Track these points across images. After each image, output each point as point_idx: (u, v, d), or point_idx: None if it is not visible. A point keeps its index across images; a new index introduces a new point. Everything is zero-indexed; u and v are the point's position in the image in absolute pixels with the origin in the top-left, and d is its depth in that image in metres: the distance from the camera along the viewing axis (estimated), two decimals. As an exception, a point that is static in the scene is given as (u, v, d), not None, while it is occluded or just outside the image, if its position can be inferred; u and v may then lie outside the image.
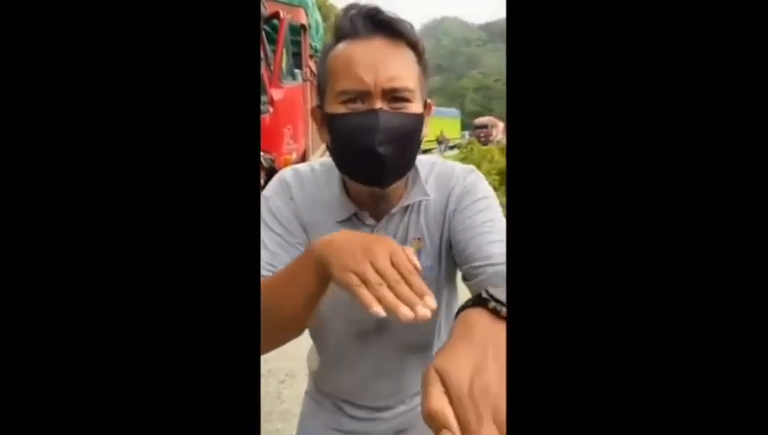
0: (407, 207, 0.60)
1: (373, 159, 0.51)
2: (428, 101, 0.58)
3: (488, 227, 0.56)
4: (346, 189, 0.59)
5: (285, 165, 3.32)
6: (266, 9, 3.09)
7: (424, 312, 0.35)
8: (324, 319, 0.64)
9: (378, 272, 0.38)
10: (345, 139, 0.53)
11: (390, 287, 0.37)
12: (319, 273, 0.43)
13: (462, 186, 0.60)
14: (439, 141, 18.52)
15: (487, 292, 0.34)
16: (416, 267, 0.39)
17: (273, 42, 3.40)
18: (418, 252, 0.60)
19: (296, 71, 3.86)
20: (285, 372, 2.16)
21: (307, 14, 3.97)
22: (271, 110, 3.10)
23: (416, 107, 0.53)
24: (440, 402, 0.27)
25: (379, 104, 0.51)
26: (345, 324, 0.64)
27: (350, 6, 0.54)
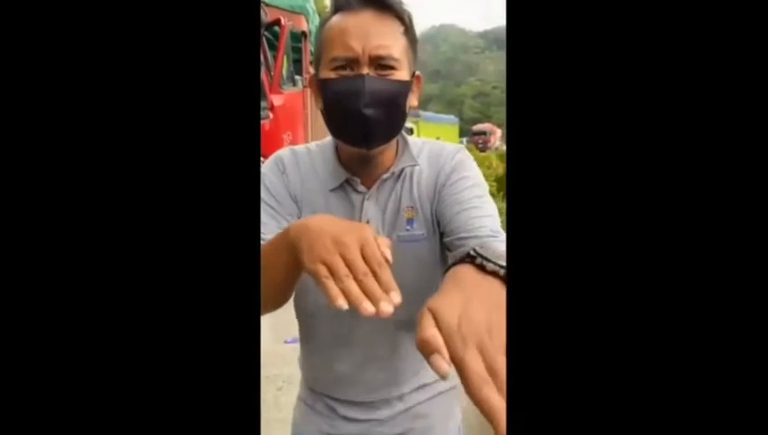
0: (397, 173, 0.64)
1: (359, 120, 0.56)
2: (417, 73, 0.62)
3: (474, 202, 0.59)
4: (338, 158, 0.64)
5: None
6: (268, 16, 3.11)
7: (386, 308, 0.36)
8: (315, 295, 0.65)
9: (347, 263, 0.38)
10: (335, 101, 0.57)
11: (357, 280, 0.37)
12: (293, 256, 0.44)
13: (451, 163, 0.64)
14: None
15: (474, 250, 0.37)
16: (386, 260, 0.39)
17: (273, 48, 3.41)
18: (411, 220, 0.63)
19: (296, 77, 3.88)
20: (283, 378, 2.14)
21: (308, 21, 4.00)
22: (271, 115, 3.11)
23: (401, 74, 0.57)
24: (432, 331, 0.31)
25: (366, 70, 0.55)
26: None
27: None
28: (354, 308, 0.36)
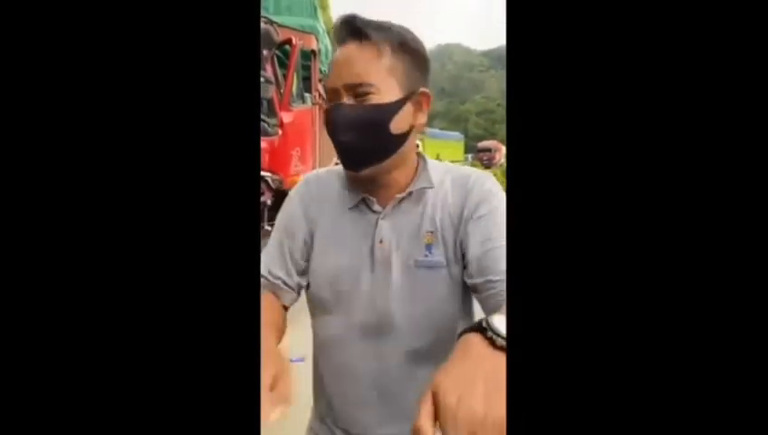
0: (415, 195, 0.64)
1: (338, 146, 0.61)
2: (423, 90, 0.63)
3: (503, 240, 0.58)
4: (355, 177, 0.66)
5: (292, 186, 3.34)
6: (279, 35, 3.19)
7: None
8: (326, 326, 0.67)
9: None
10: (327, 130, 0.63)
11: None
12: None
13: (480, 192, 0.63)
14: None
15: (486, 321, 0.37)
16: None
17: (284, 66, 3.49)
18: (430, 246, 0.63)
19: (306, 94, 3.95)
20: None
21: (318, 40, 4.09)
22: (280, 132, 3.16)
23: (380, 98, 0.59)
24: (427, 422, 0.32)
25: (344, 99, 0.59)
26: (349, 321, 0.65)
27: (341, 17, 0.63)
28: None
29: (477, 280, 0.59)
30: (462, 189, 0.64)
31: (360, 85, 0.58)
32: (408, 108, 0.61)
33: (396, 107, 0.60)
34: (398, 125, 0.60)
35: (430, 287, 0.63)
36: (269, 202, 3.05)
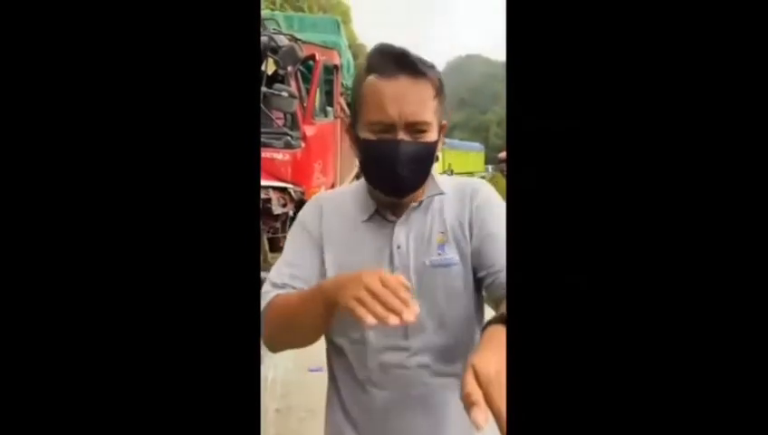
0: (426, 203, 0.70)
1: (395, 178, 0.64)
2: (443, 122, 0.69)
3: (504, 236, 0.64)
4: (369, 193, 0.71)
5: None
6: (303, 52, 3.28)
7: (409, 316, 0.44)
8: (343, 334, 0.68)
9: (371, 293, 0.46)
10: (373, 160, 0.66)
11: (382, 302, 0.45)
12: (326, 305, 0.54)
13: (480, 195, 0.70)
14: (450, 174, 18.10)
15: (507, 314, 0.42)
16: (404, 284, 0.47)
17: (307, 81, 3.58)
18: (442, 245, 0.68)
19: (328, 108, 4.03)
20: (305, 408, 2.08)
21: (340, 55, 4.18)
22: (303, 145, 3.23)
23: (431, 135, 0.65)
24: (473, 386, 0.37)
25: (401, 135, 0.63)
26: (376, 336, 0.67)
27: (383, 46, 0.66)
28: (383, 324, 0.44)
29: (482, 273, 0.66)
30: (462, 193, 0.71)
31: (421, 124, 0.63)
32: (438, 142, 0.68)
33: (437, 144, 0.67)
34: (435, 158, 0.68)
35: (447, 286, 0.67)
36: (291, 213, 3.11)
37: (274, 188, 2.97)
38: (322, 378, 0.77)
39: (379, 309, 0.44)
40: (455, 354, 0.68)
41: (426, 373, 0.67)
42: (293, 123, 3.26)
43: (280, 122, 3.19)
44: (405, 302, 0.45)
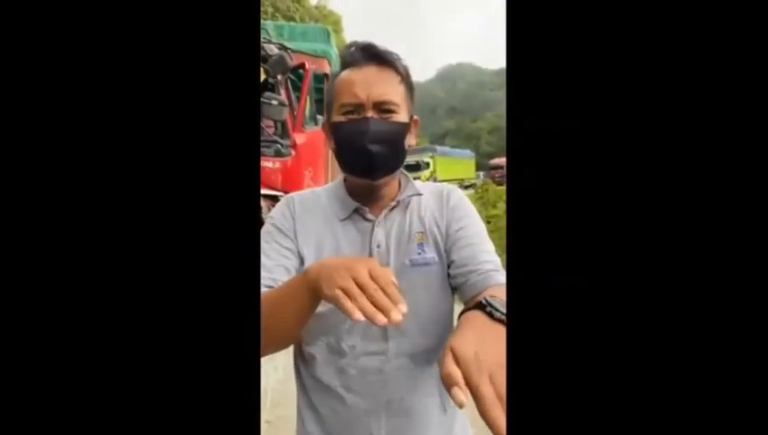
0: (404, 203, 0.72)
1: (365, 154, 0.65)
2: (415, 117, 0.72)
3: (478, 238, 0.68)
4: (347, 191, 0.72)
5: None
6: (293, 61, 3.29)
7: (396, 316, 0.42)
8: (323, 325, 0.66)
9: (359, 286, 0.44)
10: (345, 140, 0.67)
11: (369, 296, 0.43)
12: (311, 293, 0.51)
13: (454, 196, 0.73)
14: (434, 180, 18.17)
15: (485, 299, 0.46)
16: (393, 282, 0.46)
17: (298, 89, 3.59)
18: (422, 245, 0.69)
19: (318, 117, 4.05)
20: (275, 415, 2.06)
21: (330, 64, 4.21)
22: (293, 153, 3.23)
23: (400, 117, 0.67)
24: (452, 367, 0.37)
25: (370, 114, 0.65)
26: (352, 327, 0.65)
27: (352, 43, 0.70)
28: (369, 320, 0.42)
29: (454, 272, 0.67)
30: (438, 196, 0.73)
31: (388, 103, 0.65)
32: (410, 129, 0.70)
33: (407, 126, 0.69)
34: (407, 142, 0.70)
35: (427, 284, 0.68)
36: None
37: (265, 197, 2.96)
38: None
39: (368, 305, 0.42)
40: (434, 356, 0.68)
41: (404, 377, 0.66)
42: (284, 131, 3.26)
43: (270, 131, 3.19)
44: (394, 299, 0.43)
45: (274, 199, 3.04)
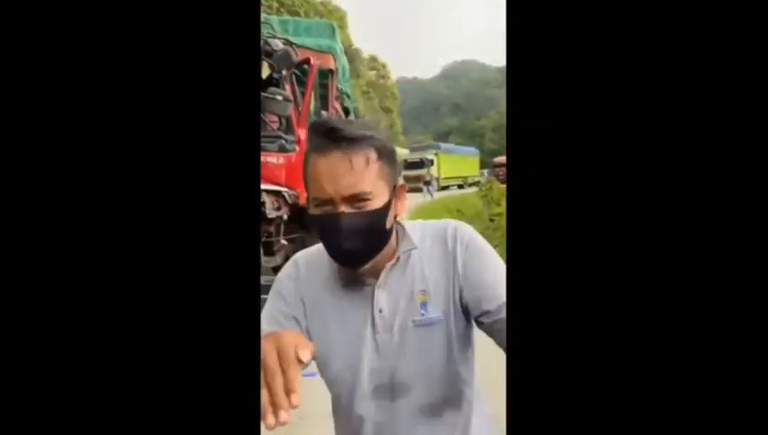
0: (403, 260, 0.68)
1: (342, 252, 0.63)
2: (399, 184, 0.67)
3: (500, 274, 0.64)
4: None
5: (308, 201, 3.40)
6: (298, 56, 3.29)
7: (283, 417, 0.40)
8: (333, 389, 0.70)
9: (264, 368, 0.42)
10: (321, 235, 0.64)
11: (267, 385, 0.41)
12: None
13: (464, 238, 0.67)
14: (426, 182, 17.85)
15: None
16: (299, 359, 0.43)
17: (302, 85, 3.59)
18: (425, 304, 0.66)
19: (323, 112, 4.04)
20: (297, 414, 2.08)
21: (335, 60, 4.20)
22: (297, 148, 3.23)
23: (376, 202, 0.62)
24: None
25: (342, 208, 0.60)
26: (359, 391, 0.68)
27: (316, 123, 0.64)
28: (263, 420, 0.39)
29: (478, 311, 0.63)
30: (443, 239, 0.68)
31: (359, 195, 0.61)
32: (393, 204, 0.65)
33: (388, 207, 0.64)
34: (389, 221, 0.65)
35: (431, 344, 0.66)
36: (285, 217, 3.10)
37: (269, 192, 2.97)
38: (316, 383, 0.77)
39: (265, 397, 0.40)
40: (442, 410, 0.68)
41: (414, 425, 0.68)
42: (288, 127, 3.26)
43: (274, 126, 3.19)
44: (287, 387, 0.41)
45: (278, 195, 3.05)
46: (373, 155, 0.62)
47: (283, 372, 0.42)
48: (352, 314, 0.68)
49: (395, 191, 0.66)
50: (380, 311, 0.67)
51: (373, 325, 0.67)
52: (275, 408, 0.40)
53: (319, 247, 0.72)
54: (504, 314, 0.60)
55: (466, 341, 0.70)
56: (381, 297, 0.67)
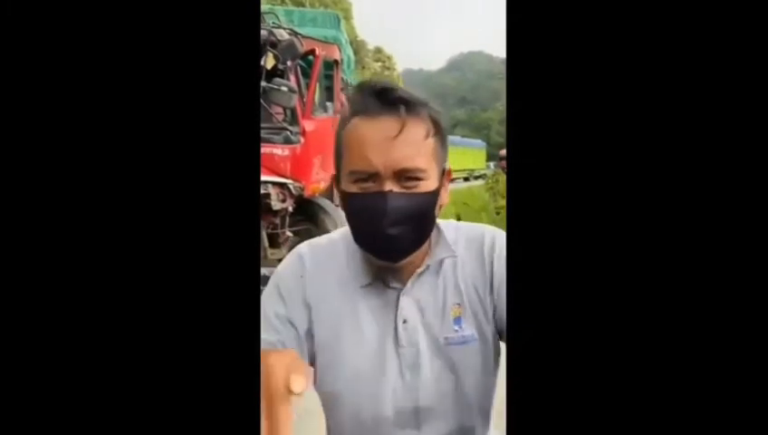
0: (435, 266, 0.58)
1: (384, 239, 0.51)
2: (446, 167, 0.56)
3: None
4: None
5: (314, 193, 3.41)
6: (303, 46, 3.27)
7: None
8: (345, 411, 0.59)
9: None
10: (357, 218, 0.53)
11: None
12: None
13: (504, 252, 0.57)
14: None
15: None
16: (290, 390, 0.35)
17: (307, 76, 3.57)
18: (458, 319, 0.57)
19: (328, 103, 4.02)
20: (301, 408, 2.05)
21: (341, 51, 4.17)
22: (302, 140, 3.23)
23: (429, 184, 0.52)
24: None
25: (389, 186, 0.50)
26: (377, 415, 0.57)
27: (365, 83, 0.55)
28: None
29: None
30: (479, 248, 0.59)
31: (412, 171, 0.50)
32: (443, 188, 0.55)
33: (438, 192, 0.54)
34: (438, 210, 0.55)
35: (465, 365, 0.57)
36: (290, 209, 3.11)
37: (274, 184, 2.97)
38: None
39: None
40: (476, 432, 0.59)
41: None
42: (293, 118, 3.25)
43: (279, 117, 3.18)
44: (275, 430, 0.33)
45: (283, 187, 3.05)
46: (432, 128, 0.52)
47: (269, 412, 0.34)
48: (371, 322, 0.56)
49: (444, 177, 0.56)
50: (405, 322, 0.56)
51: (396, 339, 0.56)
52: None
53: (330, 239, 0.62)
54: None
55: (497, 363, 0.60)
56: (407, 306, 0.57)
